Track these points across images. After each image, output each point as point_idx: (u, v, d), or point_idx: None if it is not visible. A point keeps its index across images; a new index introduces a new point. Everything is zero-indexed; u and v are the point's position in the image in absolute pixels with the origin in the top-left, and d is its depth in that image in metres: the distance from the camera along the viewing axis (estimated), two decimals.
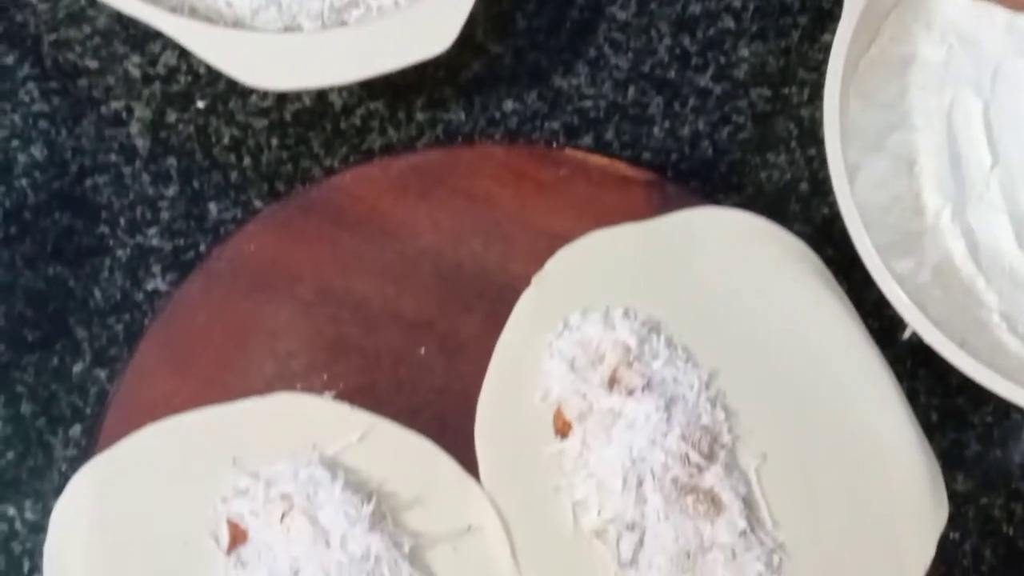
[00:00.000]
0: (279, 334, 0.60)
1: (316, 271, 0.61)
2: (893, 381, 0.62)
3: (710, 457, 0.60)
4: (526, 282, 0.61)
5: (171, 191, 0.67)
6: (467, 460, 0.60)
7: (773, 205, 0.68)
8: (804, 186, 0.69)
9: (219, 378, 0.58)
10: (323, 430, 0.59)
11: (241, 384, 0.59)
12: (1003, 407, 0.65)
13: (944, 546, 0.60)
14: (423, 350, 0.62)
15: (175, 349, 0.60)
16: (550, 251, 0.61)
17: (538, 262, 0.61)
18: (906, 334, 0.64)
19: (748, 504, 0.60)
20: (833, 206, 0.62)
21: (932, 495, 0.61)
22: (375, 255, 0.61)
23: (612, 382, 0.60)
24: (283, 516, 0.56)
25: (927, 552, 0.60)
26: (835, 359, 0.62)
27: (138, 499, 0.57)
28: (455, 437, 0.60)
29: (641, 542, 0.59)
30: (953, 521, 0.61)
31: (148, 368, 0.59)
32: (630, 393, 0.60)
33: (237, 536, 0.56)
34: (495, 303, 0.61)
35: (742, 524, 0.59)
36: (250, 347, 0.59)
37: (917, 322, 0.61)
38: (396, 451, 0.59)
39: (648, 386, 0.60)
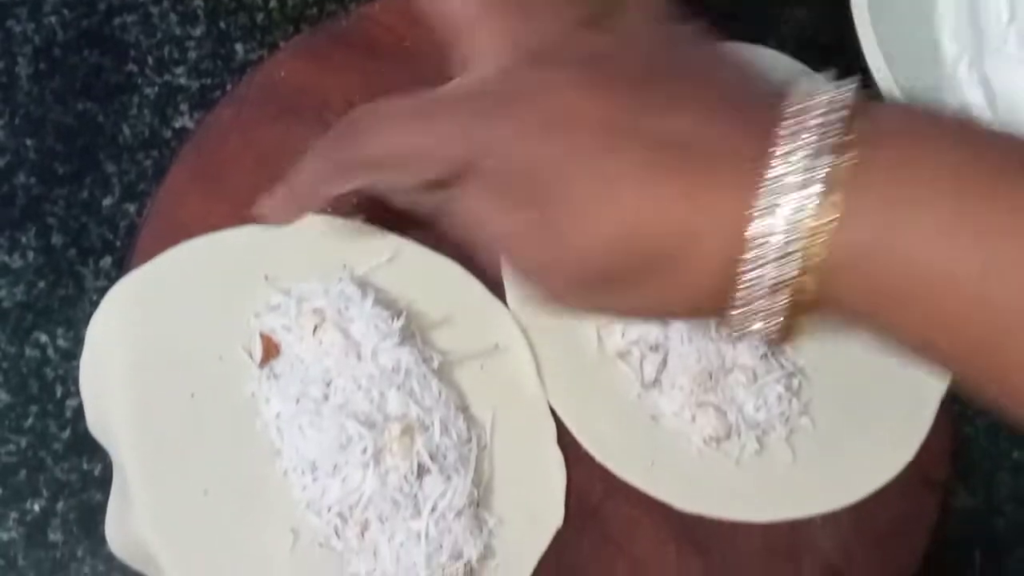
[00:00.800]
0: None
1: (345, 98, 0.62)
2: None
3: None
4: None
5: (198, 31, 0.68)
6: (492, 284, 0.60)
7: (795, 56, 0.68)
8: (825, 38, 0.70)
9: (250, 200, 0.58)
10: (353, 252, 0.60)
11: None
12: None
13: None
14: None
15: (206, 172, 0.60)
16: None
17: None
18: None
19: None
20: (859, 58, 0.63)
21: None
22: (403, 84, 0.61)
23: None
24: (315, 329, 0.56)
25: (943, 377, 0.61)
26: None
27: (172, 314, 0.58)
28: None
29: (664, 363, 0.60)
30: None
31: (180, 189, 0.60)
32: None
33: (270, 350, 0.57)
34: None
35: (763, 347, 0.60)
36: (281, 170, 0.60)
37: None
38: (424, 273, 0.60)
39: None
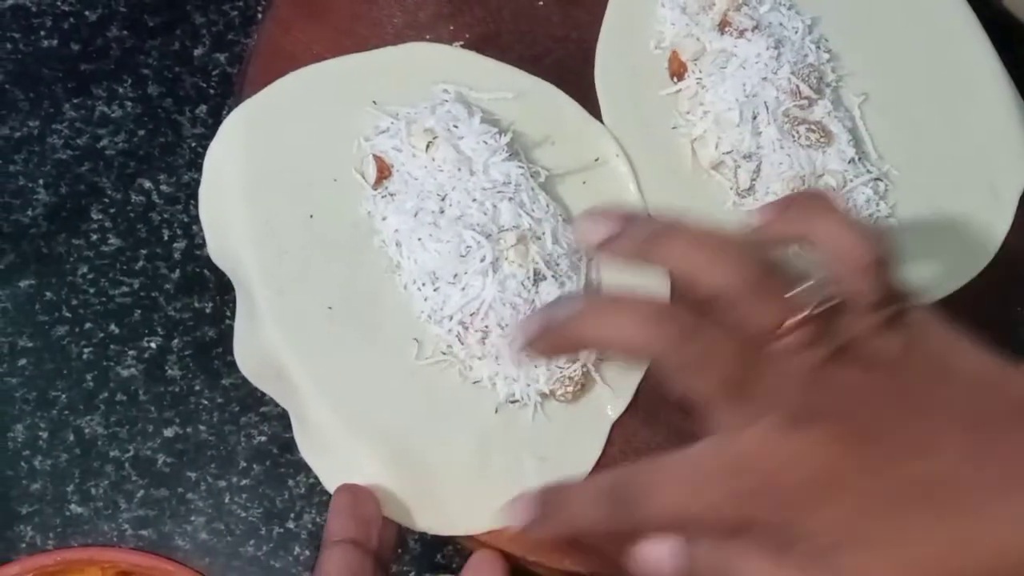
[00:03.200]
0: None
1: None
2: (981, 28, 0.66)
3: (818, 92, 0.63)
4: None
5: None
6: (587, 104, 0.63)
7: None
8: None
9: (352, 29, 0.60)
10: (454, 77, 0.61)
11: (373, 35, 0.62)
12: None
13: None
14: (541, 2, 0.64)
15: (308, 3, 0.62)
16: None
17: None
18: None
19: (854, 137, 0.63)
20: None
21: (1021, 126, 0.64)
22: None
23: (723, 25, 0.63)
24: (428, 146, 0.58)
25: (1020, 177, 0.64)
26: (928, 6, 0.66)
27: (286, 140, 0.59)
28: (576, 82, 0.63)
29: (758, 170, 0.62)
30: None
31: (286, 18, 0.62)
32: (741, 34, 0.63)
33: (383, 170, 0.59)
34: None
35: (851, 152, 0.63)
36: (379, 0, 0.62)
37: None
38: (522, 95, 0.62)
39: (757, 28, 0.63)
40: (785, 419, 0.44)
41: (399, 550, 0.57)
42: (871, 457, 0.43)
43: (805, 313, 0.44)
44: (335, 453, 0.55)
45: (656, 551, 0.46)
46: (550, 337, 0.49)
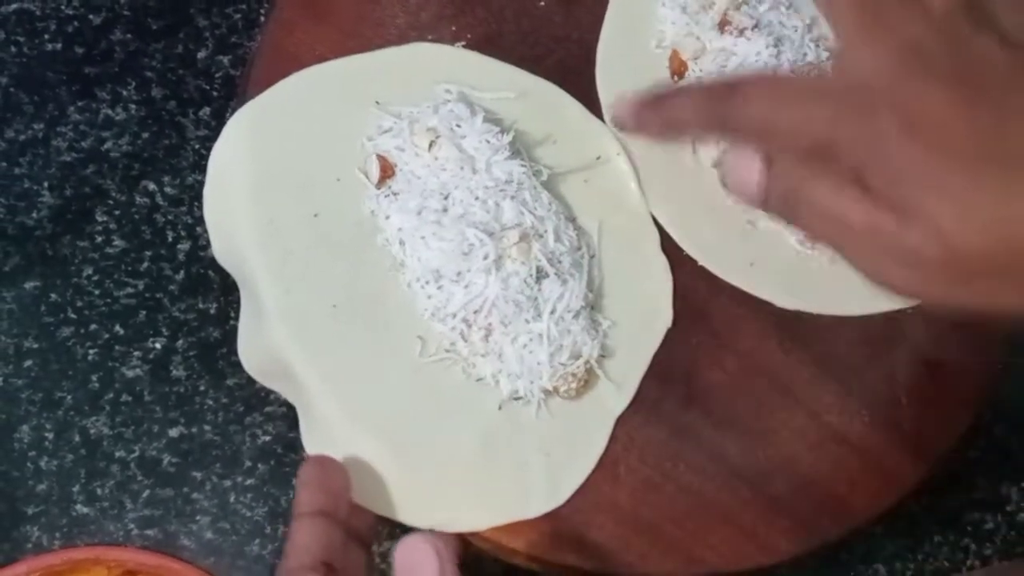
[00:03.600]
0: None
1: None
2: None
3: None
4: None
5: None
6: (588, 103, 0.63)
7: None
8: None
9: (356, 30, 0.61)
10: (456, 77, 0.62)
11: (376, 35, 0.62)
12: None
13: None
14: (542, 3, 0.65)
15: (312, 4, 0.63)
16: None
17: None
18: None
19: None
20: None
21: None
22: None
23: (723, 24, 0.64)
24: (431, 145, 0.59)
25: None
26: None
27: (290, 140, 0.60)
28: (577, 82, 0.63)
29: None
30: None
31: (289, 20, 0.62)
32: (740, 33, 0.63)
33: (386, 169, 0.59)
34: None
35: None
36: (382, 1, 0.62)
37: None
38: (524, 95, 0.63)
39: (756, 26, 0.63)
40: (911, 54, 0.42)
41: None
42: (980, 119, 0.41)
43: None
44: (340, 450, 0.55)
45: (746, 166, 0.45)
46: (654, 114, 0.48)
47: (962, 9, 0.43)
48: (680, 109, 0.47)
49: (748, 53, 0.62)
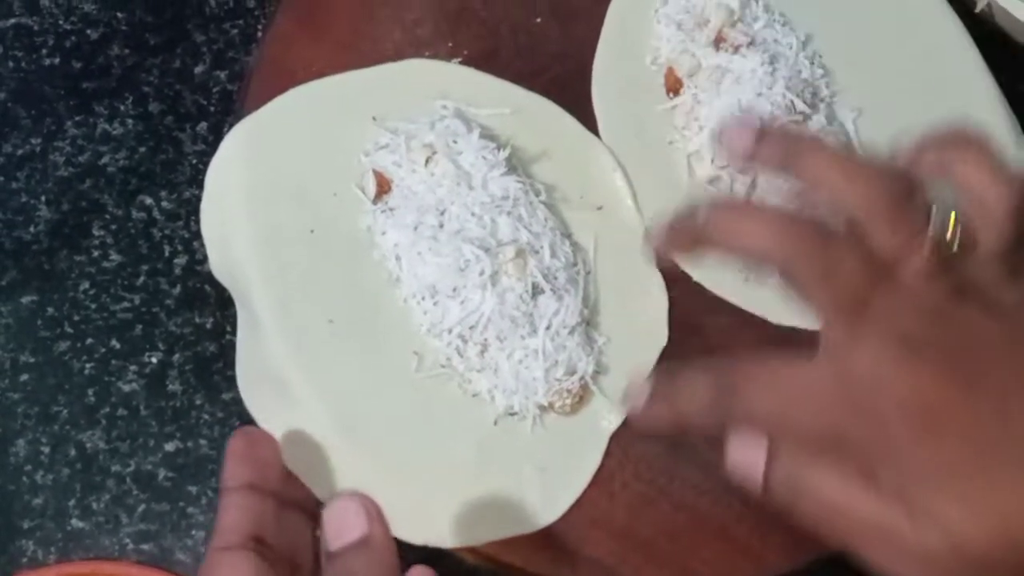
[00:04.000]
0: (404, 4, 0.64)
1: None
2: (974, 45, 0.66)
3: (812, 107, 0.64)
4: None
5: None
6: (584, 119, 0.64)
7: None
8: None
9: (352, 46, 0.61)
10: (453, 93, 0.62)
11: (373, 51, 0.63)
12: None
13: None
14: (539, 19, 0.65)
15: (310, 19, 0.63)
16: None
17: None
18: (980, 6, 0.68)
19: (848, 151, 0.64)
20: None
21: (1014, 139, 0.66)
22: None
23: (718, 41, 0.64)
24: (427, 161, 0.59)
25: None
26: (921, 23, 0.67)
27: (287, 155, 0.60)
28: (573, 98, 0.64)
29: (753, 185, 0.63)
30: None
31: (286, 36, 0.62)
32: (735, 50, 0.64)
33: (382, 185, 0.59)
34: None
35: None
36: (378, 17, 0.63)
37: None
38: (520, 110, 0.63)
39: (752, 44, 0.64)
40: (899, 344, 0.43)
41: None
42: (980, 404, 0.42)
43: (931, 242, 0.44)
44: (332, 464, 0.55)
45: (748, 450, 0.46)
46: (682, 236, 0.49)
47: (943, 285, 0.43)
48: (686, 404, 0.47)
49: (743, 70, 0.63)
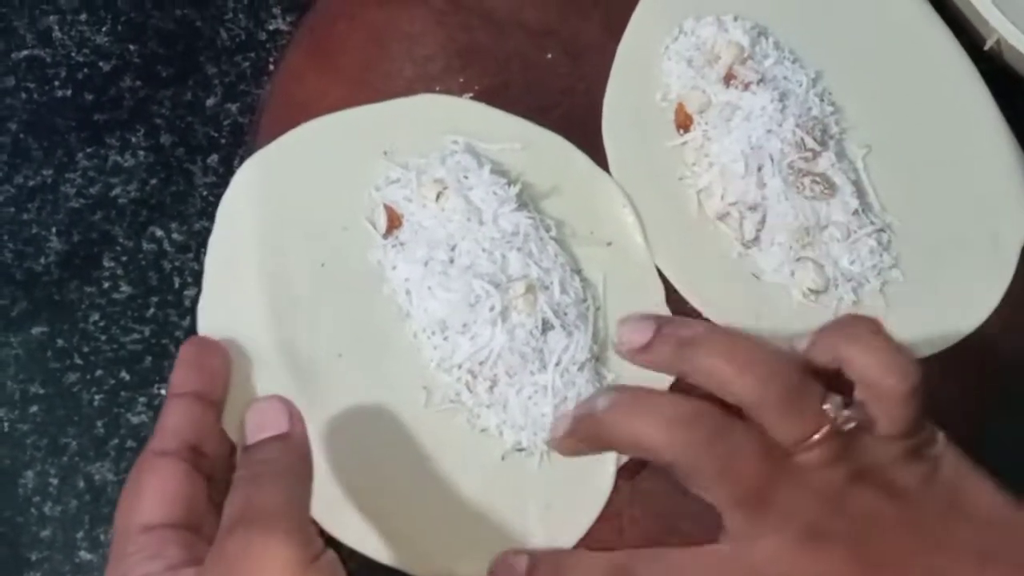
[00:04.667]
0: (416, 39, 0.64)
1: None
2: (982, 82, 0.67)
3: (822, 144, 0.64)
4: None
5: None
6: (594, 155, 0.64)
7: None
8: None
9: (364, 80, 0.61)
10: (463, 128, 0.62)
11: (385, 86, 0.63)
12: None
13: None
14: (549, 55, 0.65)
15: (321, 54, 0.63)
16: None
17: None
18: (989, 43, 0.68)
19: (857, 189, 0.64)
20: None
21: (1023, 178, 0.65)
22: None
23: (728, 78, 0.64)
24: (438, 196, 0.59)
25: (1022, 228, 0.65)
26: (930, 60, 0.67)
27: (297, 189, 0.60)
28: (583, 134, 0.64)
29: (763, 221, 0.63)
30: None
31: (297, 71, 0.63)
32: (746, 87, 0.64)
33: (393, 220, 0.60)
34: (612, 11, 0.66)
35: (855, 204, 0.64)
36: (390, 52, 0.63)
37: (1003, 27, 0.66)
38: (531, 146, 0.63)
39: (762, 81, 0.64)
40: (801, 534, 0.44)
41: None
42: None
43: (827, 430, 0.45)
44: (340, 497, 0.55)
45: None
46: (578, 436, 0.50)
47: (841, 471, 0.45)
48: None
49: (753, 107, 0.63)
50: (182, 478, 0.50)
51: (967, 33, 0.68)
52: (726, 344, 0.48)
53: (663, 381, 0.59)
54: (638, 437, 0.47)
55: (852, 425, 0.45)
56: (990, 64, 0.68)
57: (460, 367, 0.58)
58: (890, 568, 0.44)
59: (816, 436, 0.45)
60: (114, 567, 0.47)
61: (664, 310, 0.62)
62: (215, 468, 0.52)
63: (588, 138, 0.64)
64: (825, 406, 0.46)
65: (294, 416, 0.50)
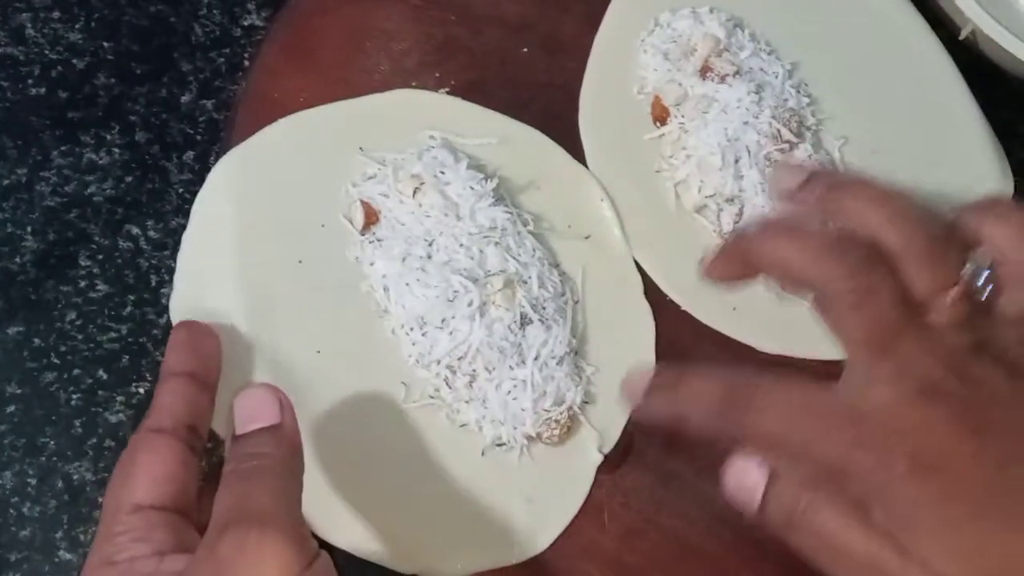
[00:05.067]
0: (392, 35, 0.64)
1: None
2: (957, 71, 0.67)
3: (799, 136, 0.64)
4: None
5: None
6: (572, 149, 0.64)
7: None
8: None
9: (341, 76, 0.61)
10: (440, 123, 0.62)
11: (361, 82, 0.63)
12: None
13: None
14: (526, 49, 0.65)
15: (297, 50, 0.63)
16: None
17: None
18: (964, 33, 0.69)
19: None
20: None
21: (999, 167, 0.66)
22: None
23: (704, 71, 0.64)
24: (415, 192, 0.59)
25: None
26: (906, 51, 0.67)
27: (274, 186, 0.60)
28: (560, 128, 0.64)
29: (740, 213, 0.63)
30: None
31: (273, 68, 0.62)
32: (722, 79, 0.64)
33: (370, 216, 0.59)
34: (590, 4, 0.65)
35: None
36: (366, 47, 0.63)
37: (977, 16, 0.66)
38: (508, 141, 0.63)
39: (738, 73, 0.64)
40: (914, 389, 0.44)
41: None
42: (988, 455, 0.43)
43: (962, 287, 0.45)
44: (321, 494, 0.55)
45: (749, 471, 0.47)
46: (727, 257, 0.50)
47: (966, 337, 0.44)
48: (693, 403, 0.47)
49: (730, 99, 0.63)
50: (177, 458, 0.49)
51: (943, 24, 0.68)
52: (877, 191, 0.48)
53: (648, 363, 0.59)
54: (788, 260, 0.47)
55: (989, 290, 0.45)
56: (967, 54, 0.68)
57: (439, 363, 0.58)
58: (991, 439, 0.44)
59: (952, 292, 0.45)
60: (100, 547, 0.47)
61: (642, 303, 0.62)
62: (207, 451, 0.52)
63: (565, 132, 0.64)
64: (965, 268, 0.46)
65: (284, 406, 0.50)
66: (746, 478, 0.47)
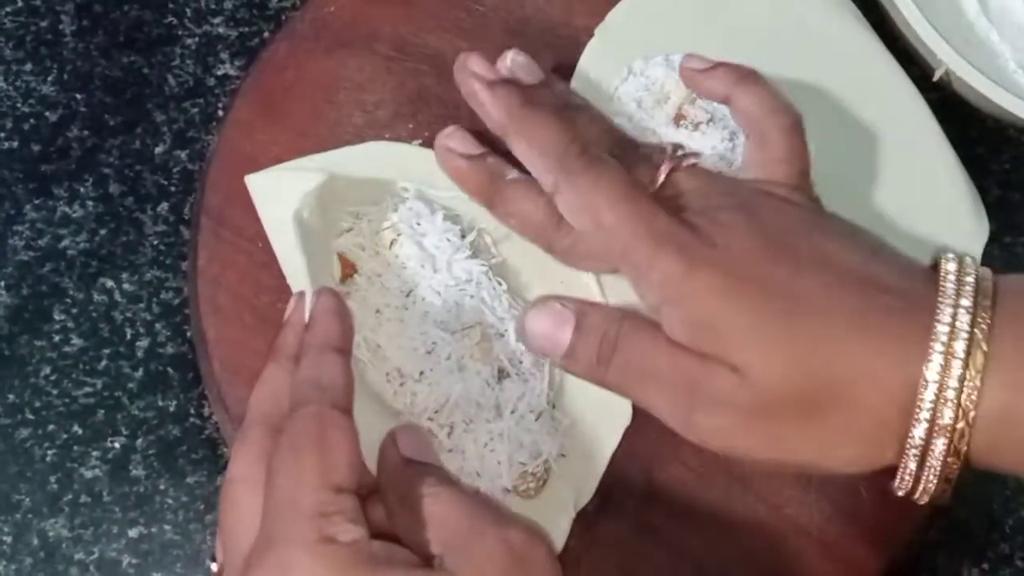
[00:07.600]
0: (364, 87, 0.63)
1: (393, 28, 0.64)
2: (931, 113, 0.67)
3: None
4: (589, 34, 0.65)
5: None
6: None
7: None
8: None
9: (312, 130, 0.61)
10: (414, 174, 0.62)
11: (333, 135, 0.62)
12: (1020, 153, 0.71)
13: None
14: None
15: (269, 102, 0.63)
16: (610, 4, 0.65)
17: (599, 15, 0.65)
18: (937, 74, 0.69)
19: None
20: None
21: (974, 211, 0.66)
22: (446, 12, 0.64)
23: (678, 119, 0.64)
24: (392, 243, 0.59)
25: (969, 252, 0.65)
26: (879, 93, 0.67)
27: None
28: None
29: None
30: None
31: (245, 122, 0.62)
32: (696, 127, 0.64)
33: (346, 268, 0.59)
34: (561, 54, 0.65)
35: None
36: (338, 100, 0.63)
37: (950, 58, 0.66)
38: None
39: (711, 120, 0.64)
40: (737, 208, 0.54)
41: None
42: (778, 270, 0.50)
43: (668, 165, 0.56)
44: None
45: (554, 314, 0.56)
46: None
47: (712, 200, 0.55)
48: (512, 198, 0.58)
49: (703, 147, 0.63)
50: (357, 442, 0.46)
51: (916, 63, 0.68)
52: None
53: (619, 428, 0.59)
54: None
55: (692, 161, 0.56)
56: (940, 91, 0.69)
57: (417, 415, 0.58)
58: (786, 254, 0.50)
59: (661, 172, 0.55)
60: (292, 525, 0.43)
61: None
62: None
63: None
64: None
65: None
66: (550, 324, 0.54)
